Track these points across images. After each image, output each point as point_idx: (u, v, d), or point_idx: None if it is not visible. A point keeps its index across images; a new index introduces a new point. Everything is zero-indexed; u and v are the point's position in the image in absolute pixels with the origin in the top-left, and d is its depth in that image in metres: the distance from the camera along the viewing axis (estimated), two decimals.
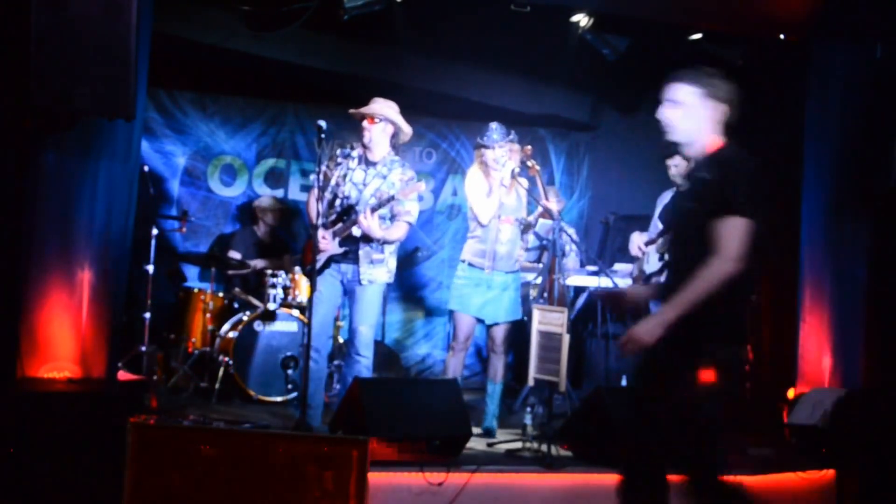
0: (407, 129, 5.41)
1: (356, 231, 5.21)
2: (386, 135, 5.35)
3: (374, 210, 5.15)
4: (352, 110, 5.38)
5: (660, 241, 5.93)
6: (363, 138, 5.32)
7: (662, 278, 5.84)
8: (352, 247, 5.26)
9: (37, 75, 4.26)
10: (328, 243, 5.24)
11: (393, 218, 5.33)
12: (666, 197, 6.11)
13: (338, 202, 5.33)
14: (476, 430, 5.46)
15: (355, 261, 5.28)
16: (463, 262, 5.64)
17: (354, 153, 5.38)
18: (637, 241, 6.10)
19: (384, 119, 5.30)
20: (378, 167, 5.34)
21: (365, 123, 5.31)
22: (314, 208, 5.39)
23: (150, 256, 6.12)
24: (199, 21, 6.55)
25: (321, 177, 5.35)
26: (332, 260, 5.30)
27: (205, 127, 7.68)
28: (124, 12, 4.37)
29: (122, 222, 4.85)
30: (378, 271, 5.32)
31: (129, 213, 4.92)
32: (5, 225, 4.56)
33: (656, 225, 6.10)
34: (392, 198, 5.16)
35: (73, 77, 4.31)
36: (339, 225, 5.26)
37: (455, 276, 5.70)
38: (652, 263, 5.96)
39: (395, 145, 5.43)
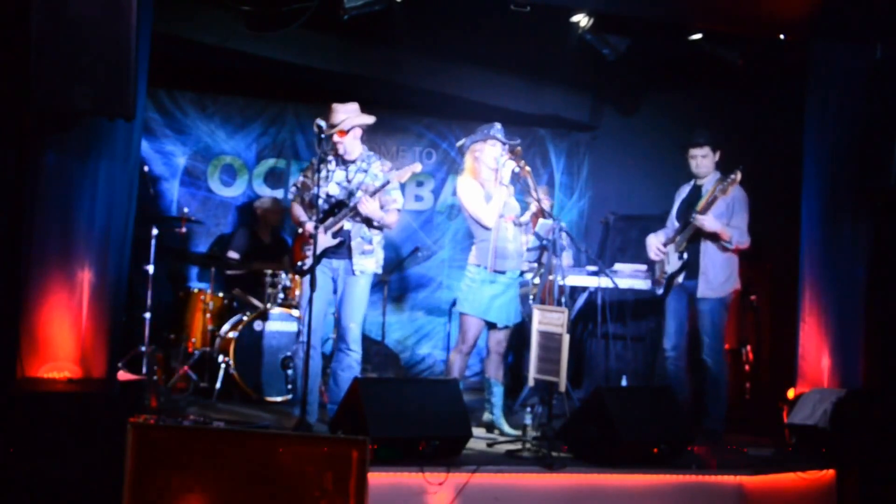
0: (370, 121, 5.53)
1: (347, 225, 5.39)
2: (356, 137, 5.51)
3: (372, 195, 5.32)
4: (321, 129, 5.29)
5: (678, 238, 5.86)
6: (337, 149, 5.47)
7: (681, 278, 5.86)
8: (344, 239, 5.41)
9: (37, 75, 4.27)
10: (321, 236, 5.33)
11: (381, 208, 5.48)
12: (684, 191, 6.04)
13: (320, 202, 5.42)
14: (479, 431, 5.46)
15: (347, 254, 5.43)
16: (476, 265, 5.60)
17: (330, 156, 5.52)
18: (654, 243, 5.99)
19: (352, 127, 5.44)
20: (357, 163, 5.53)
21: (336, 137, 5.41)
22: (298, 213, 5.60)
23: (150, 256, 6.13)
24: (199, 21, 6.55)
25: (300, 185, 5.60)
26: (324, 254, 5.40)
27: (205, 127, 7.68)
28: (124, 12, 4.38)
29: (122, 222, 4.86)
30: (368, 262, 5.48)
31: (129, 213, 4.92)
32: (5, 225, 4.56)
33: (673, 222, 6.01)
34: (387, 183, 5.33)
35: (73, 77, 4.31)
36: (330, 220, 5.39)
37: (465, 279, 5.66)
38: (672, 263, 5.88)
39: (364, 139, 5.59)
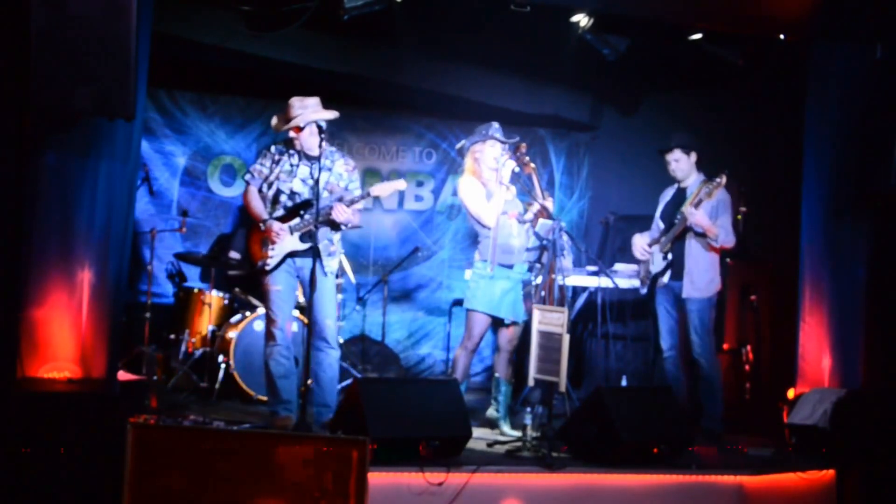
0: (331, 116, 5.34)
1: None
2: (313, 134, 5.31)
3: (349, 204, 5.20)
4: (274, 123, 5.36)
5: (662, 239, 5.91)
6: (295, 145, 5.33)
7: (666, 278, 5.89)
8: (314, 244, 5.24)
9: (37, 75, 4.27)
10: (286, 236, 5.26)
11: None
12: (668, 194, 6.10)
13: (283, 198, 5.33)
14: (479, 432, 5.45)
15: (315, 254, 5.22)
16: (483, 261, 5.60)
17: (292, 149, 5.38)
18: (639, 242, 6.05)
19: (308, 123, 5.28)
20: (321, 160, 5.34)
21: (292, 133, 5.30)
22: (257, 205, 5.35)
23: (150, 256, 6.13)
24: (199, 21, 6.55)
25: (258, 174, 5.36)
26: (289, 255, 5.30)
27: (205, 127, 7.68)
28: (124, 12, 4.37)
29: (122, 222, 4.85)
30: (333, 262, 5.44)
31: (129, 213, 4.92)
32: (5, 225, 4.56)
33: (658, 224, 6.07)
34: (366, 195, 5.23)
35: (73, 77, 4.31)
36: (297, 220, 5.27)
37: (473, 276, 5.65)
38: (657, 263, 5.93)
39: (324, 137, 5.33)
